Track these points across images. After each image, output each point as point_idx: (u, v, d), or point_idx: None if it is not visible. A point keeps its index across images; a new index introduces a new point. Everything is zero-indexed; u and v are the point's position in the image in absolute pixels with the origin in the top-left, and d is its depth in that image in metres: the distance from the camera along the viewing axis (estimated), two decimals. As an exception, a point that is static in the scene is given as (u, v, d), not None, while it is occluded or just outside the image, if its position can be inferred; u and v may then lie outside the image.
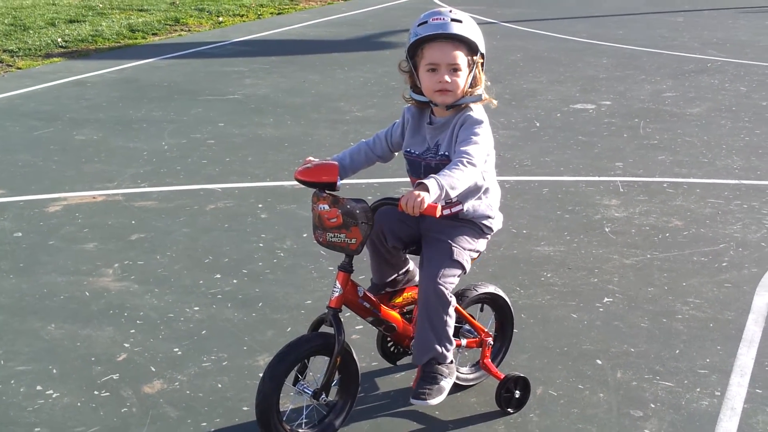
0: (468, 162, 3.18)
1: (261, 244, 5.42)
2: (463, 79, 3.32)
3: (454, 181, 3.12)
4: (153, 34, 12.97)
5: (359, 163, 3.55)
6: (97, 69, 10.57)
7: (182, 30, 13.39)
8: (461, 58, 3.31)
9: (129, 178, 6.66)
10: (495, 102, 3.47)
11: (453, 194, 3.14)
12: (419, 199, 3.00)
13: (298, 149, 7.34)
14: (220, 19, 14.15)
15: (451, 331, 3.43)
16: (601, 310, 4.60)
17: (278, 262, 5.17)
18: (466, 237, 3.45)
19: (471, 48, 3.33)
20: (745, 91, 9.44)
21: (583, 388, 3.88)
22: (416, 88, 3.41)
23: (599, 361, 4.10)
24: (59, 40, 12.15)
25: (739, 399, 3.80)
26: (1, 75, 10.33)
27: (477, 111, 3.37)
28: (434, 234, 3.45)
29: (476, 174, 3.24)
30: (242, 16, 14.52)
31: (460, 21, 3.29)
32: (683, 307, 4.62)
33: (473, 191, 3.39)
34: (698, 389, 3.88)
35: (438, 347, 3.40)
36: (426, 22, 3.30)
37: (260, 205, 6.07)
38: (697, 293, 4.77)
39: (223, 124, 8.15)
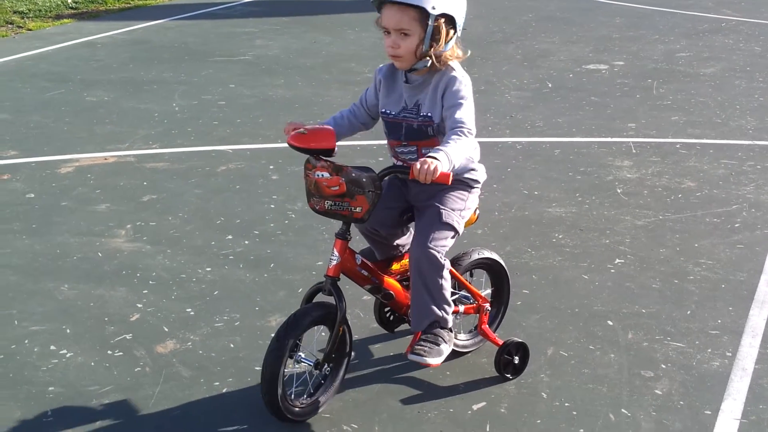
0: (468, 131, 3.15)
1: (272, 206, 5.42)
2: (412, 43, 3.17)
3: (459, 153, 3.08)
4: (163, -6, 12.90)
5: (343, 129, 3.48)
6: (107, 30, 10.53)
7: (192, -10, 13.30)
8: (409, 21, 3.15)
9: (140, 139, 6.65)
10: (462, 54, 3.34)
11: (457, 165, 3.09)
12: (432, 167, 2.95)
13: (309, 110, 7.31)
14: (231, -21, 14.05)
15: (448, 294, 3.39)
16: (612, 271, 4.60)
17: (289, 223, 5.17)
18: (454, 196, 3.39)
19: (424, 9, 3.14)
20: (760, 51, 9.35)
21: (594, 349, 3.89)
22: None
23: (610, 322, 4.11)
24: (69, 1, 12.10)
25: (750, 360, 3.80)
26: (12, 37, 10.31)
27: (459, 69, 3.29)
28: (422, 201, 3.40)
29: (474, 141, 3.21)
30: (252, -24, 14.41)
31: None
32: (695, 268, 4.61)
33: None
34: (709, 350, 3.88)
35: (437, 311, 3.37)
36: None
37: (271, 167, 6.06)
38: (709, 254, 4.76)
39: (233, 85, 8.13)
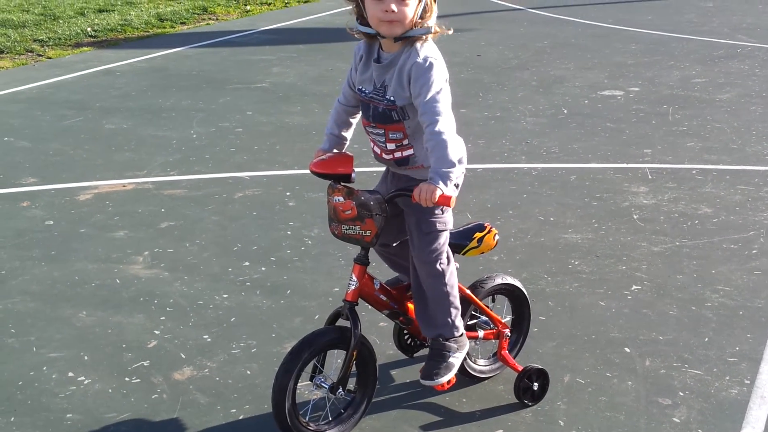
0: (442, 128, 3.05)
1: (289, 232, 5.44)
2: (412, 8, 3.07)
3: (452, 160, 3.05)
4: (181, 23, 13.03)
5: (346, 124, 3.46)
6: (126, 58, 10.63)
7: (210, 19, 13.43)
8: None
9: (158, 166, 6.70)
10: (450, 31, 3.21)
11: (456, 173, 3.09)
12: (430, 194, 3.01)
13: (326, 137, 7.34)
14: (248, 7, 14.18)
15: (453, 298, 3.38)
16: (629, 297, 4.59)
17: (306, 249, 5.19)
18: None
19: None
20: (776, 76, 9.35)
21: (611, 376, 3.88)
22: (363, 19, 3.20)
23: (627, 349, 4.10)
24: (89, 29, 12.23)
25: (768, 387, 3.78)
26: (32, 65, 10.42)
27: (425, 50, 3.15)
28: (405, 207, 3.34)
29: (454, 128, 3.13)
30: (269, 4, 14.54)
31: None
32: (712, 295, 4.59)
33: (421, 131, 3.18)
34: (727, 377, 3.86)
35: (444, 317, 3.37)
36: None
37: (288, 193, 6.09)
38: (726, 281, 4.75)
39: (251, 112, 8.18)
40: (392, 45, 3.18)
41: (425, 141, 3.11)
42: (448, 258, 3.38)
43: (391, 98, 3.19)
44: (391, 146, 3.29)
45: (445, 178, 3.06)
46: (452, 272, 3.39)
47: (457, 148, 3.14)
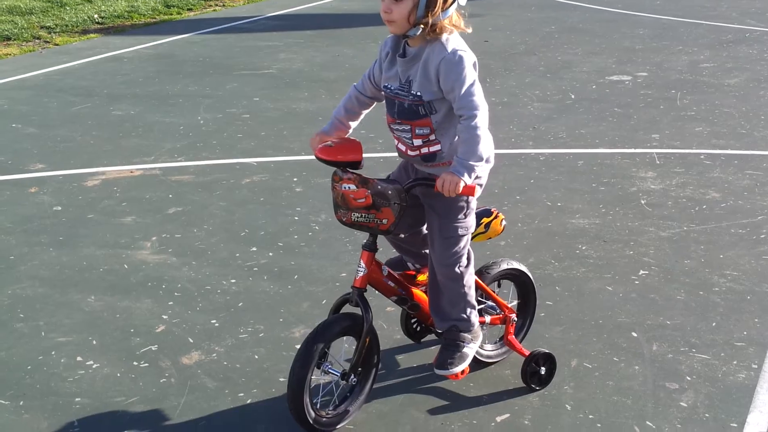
0: (478, 123, 3.06)
1: (296, 218, 5.45)
2: (405, 7, 3.04)
3: (479, 153, 3.07)
4: (188, 9, 13.02)
5: (355, 114, 3.44)
6: (133, 45, 10.63)
7: (217, 5, 13.42)
8: None
9: (166, 152, 6.71)
10: (469, 29, 3.17)
11: (481, 167, 3.12)
12: (454, 185, 3.03)
13: (333, 123, 7.33)
14: (254, -7, 14.16)
15: (470, 298, 3.41)
16: (636, 282, 4.58)
17: (313, 235, 5.20)
18: (451, 203, 3.27)
19: None
20: (785, 61, 9.31)
21: (618, 361, 3.88)
22: None
23: (635, 334, 4.10)
24: (95, 16, 12.23)
25: (776, 371, 3.78)
26: (39, 51, 10.43)
27: (452, 43, 3.11)
28: (427, 200, 3.33)
29: (487, 125, 3.13)
30: (276, -10, 14.51)
31: None
32: (720, 280, 4.59)
33: (450, 126, 3.19)
34: (735, 362, 3.86)
35: (459, 313, 3.40)
36: None
37: (295, 179, 6.09)
38: (734, 265, 4.74)
39: (258, 98, 8.18)
40: (416, 39, 3.16)
41: (459, 131, 3.12)
42: (468, 259, 3.39)
43: (418, 93, 3.17)
44: (417, 142, 3.26)
45: (470, 171, 3.08)
46: (470, 273, 3.41)
47: (488, 145, 3.16)
